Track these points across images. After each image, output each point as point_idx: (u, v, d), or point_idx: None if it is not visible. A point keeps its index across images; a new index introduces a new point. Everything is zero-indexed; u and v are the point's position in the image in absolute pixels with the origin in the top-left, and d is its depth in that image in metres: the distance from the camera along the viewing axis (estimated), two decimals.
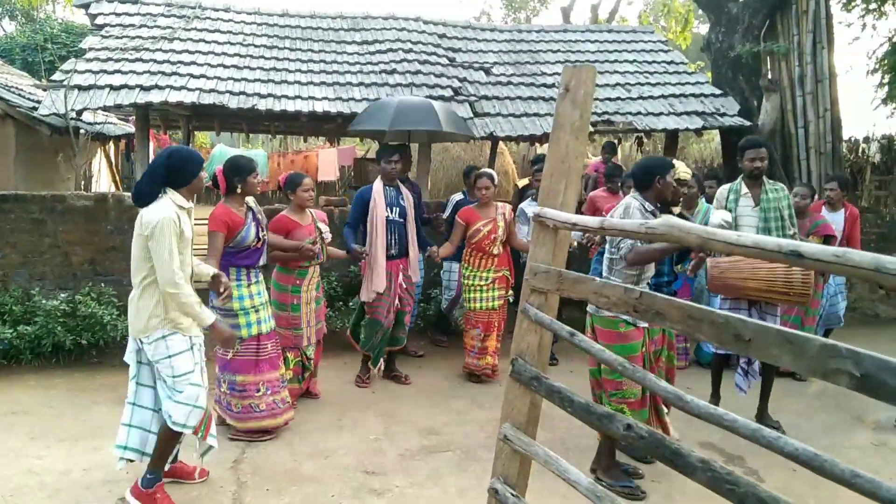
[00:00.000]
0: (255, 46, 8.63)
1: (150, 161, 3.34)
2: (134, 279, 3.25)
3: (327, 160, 14.19)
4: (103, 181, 11.55)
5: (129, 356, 3.41)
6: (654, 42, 10.64)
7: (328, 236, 4.85)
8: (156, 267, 3.12)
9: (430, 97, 8.02)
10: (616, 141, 12.28)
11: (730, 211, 4.80)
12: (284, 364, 4.57)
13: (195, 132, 12.53)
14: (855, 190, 10.85)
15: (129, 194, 6.77)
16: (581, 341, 2.03)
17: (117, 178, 12.24)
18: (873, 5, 12.00)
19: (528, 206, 5.72)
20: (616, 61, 9.85)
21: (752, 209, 4.77)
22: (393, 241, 5.26)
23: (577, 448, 4.24)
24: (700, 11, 14.05)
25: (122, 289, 6.35)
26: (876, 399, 1.31)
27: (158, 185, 3.19)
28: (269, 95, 7.47)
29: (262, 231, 4.27)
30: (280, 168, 14.10)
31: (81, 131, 8.69)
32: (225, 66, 7.91)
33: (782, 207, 4.75)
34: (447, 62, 9.09)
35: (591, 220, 2.05)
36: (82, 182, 9.02)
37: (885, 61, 11.62)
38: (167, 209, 3.15)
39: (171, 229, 3.11)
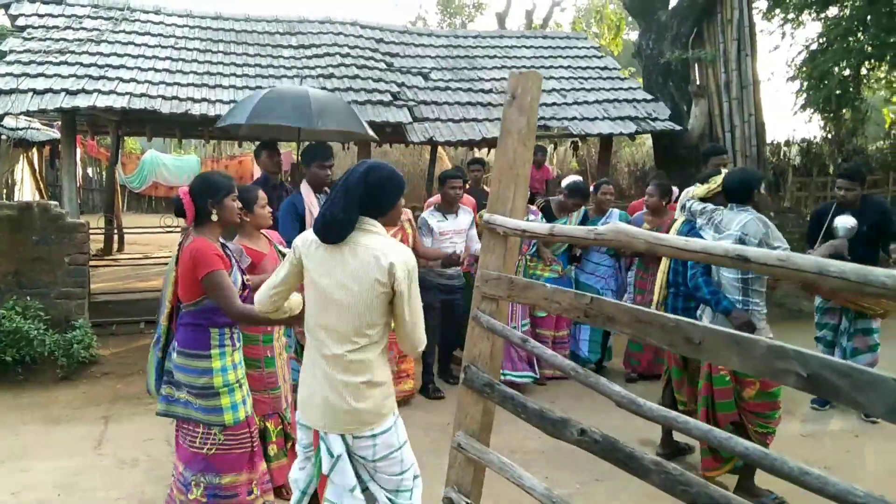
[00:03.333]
0: (188, 50, 8.39)
1: (342, 181, 2.35)
2: (354, 343, 2.32)
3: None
4: (26, 189, 11.04)
5: (327, 463, 2.42)
6: (587, 48, 10.86)
7: (247, 259, 3.84)
8: (407, 324, 2.30)
9: (369, 102, 7.99)
10: (553, 146, 12.49)
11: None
12: (266, 437, 3.58)
13: (125, 138, 12.11)
14: (778, 191, 11.35)
15: (55, 203, 6.55)
16: (533, 347, 2.04)
17: (42, 185, 11.71)
18: (791, 15, 12.61)
19: (431, 216, 5.55)
20: (552, 67, 10.00)
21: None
22: None
23: (522, 450, 4.27)
24: (631, 19, 14.45)
25: (49, 302, 6.09)
26: (823, 397, 1.36)
27: (356, 212, 2.31)
28: (203, 100, 7.28)
29: (244, 273, 3.27)
30: None
31: (3, 137, 8.29)
32: (156, 70, 7.67)
33: None
34: (385, 67, 9.05)
35: (539, 227, 2.07)
36: (4, 190, 8.60)
37: (804, 69, 12.21)
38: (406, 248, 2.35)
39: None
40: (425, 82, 9.01)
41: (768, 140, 11.21)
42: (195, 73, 7.89)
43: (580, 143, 10.08)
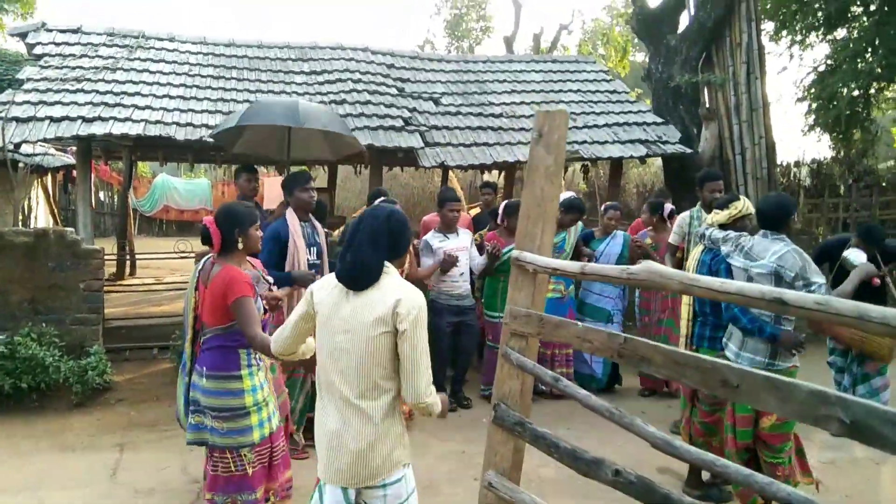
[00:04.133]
0: (202, 77, 8.48)
1: (359, 225, 2.36)
2: (364, 392, 2.29)
3: (273, 188, 14.01)
4: (40, 215, 11.12)
5: None
6: (596, 72, 10.93)
7: (275, 287, 3.97)
8: (410, 373, 2.23)
9: (381, 127, 8.05)
10: (563, 169, 12.51)
11: (692, 234, 5.16)
12: None
13: (137, 163, 12.21)
14: None
15: (71, 230, 6.59)
16: (566, 386, 2.04)
17: (55, 211, 11.79)
18: (798, 37, 12.67)
19: (433, 238, 5.72)
20: (561, 91, 10.07)
21: None
22: None
23: (538, 478, 4.24)
24: (637, 40, 14.54)
25: (65, 328, 6.12)
26: (867, 445, 1.35)
27: (384, 257, 2.30)
28: (218, 127, 7.35)
29: (262, 299, 3.40)
30: (225, 197, 13.87)
31: (20, 164, 8.37)
32: (171, 97, 7.75)
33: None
34: (396, 92, 9.12)
35: (570, 265, 2.07)
36: (20, 217, 8.67)
37: (812, 90, 12.24)
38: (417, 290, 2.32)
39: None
40: (436, 107, 9.07)
41: (779, 161, 11.20)
42: (209, 99, 7.97)
43: (590, 166, 10.10)
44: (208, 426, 3.08)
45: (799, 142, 47.38)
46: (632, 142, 8.75)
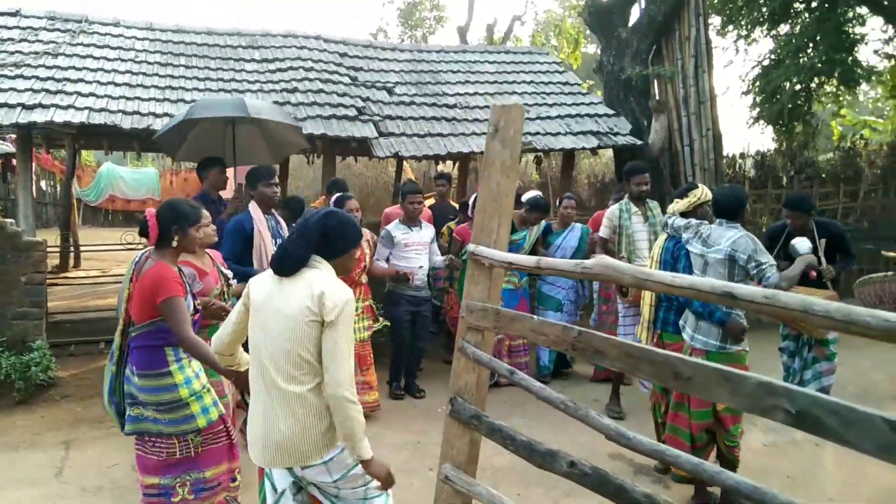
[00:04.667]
0: (148, 63, 8.24)
1: (303, 220, 2.50)
2: (292, 377, 2.34)
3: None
4: None
5: (271, 498, 2.51)
6: (549, 63, 11.00)
7: (234, 281, 3.96)
8: (331, 364, 2.27)
9: (334, 116, 7.95)
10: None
11: (622, 226, 5.28)
12: None
13: (81, 151, 11.82)
14: None
15: (11, 220, 6.34)
16: (521, 379, 2.06)
17: None
18: (744, 31, 12.99)
19: (396, 229, 5.72)
20: (514, 82, 10.11)
21: (643, 225, 5.42)
22: None
23: (492, 467, 4.28)
24: (589, 32, 14.68)
25: (5, 323, 5.91)
26: (811, 434, 1.40)
27: (310, 249, 2.41)
28: (165, 115, 7.15)
29: (195, 297, 3.41)
30: (173, 186, 13.54)
31: None
32: (116, 84, 7.51)
33: (660, 222, 5.37)
34: (349, 81, 9.03)
35: (526, 260, 2.09)
36: None
37: (757, 83, 12.57)
38: (345, 286, 2.39)
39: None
40: (390, 97, 9.01)
41: (725, 153, 11.48)
42: (156, 87, 7.76)
43: (542, 157, 10.20)
44: (150, 417, 3.08)
45: (744, 134, 49.03)
46: (584, 133, 8.85)
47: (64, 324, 7.36)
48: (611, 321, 5.89)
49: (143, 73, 7.99)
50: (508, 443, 2.00)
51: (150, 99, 7.46)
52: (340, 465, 2.38)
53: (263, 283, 2.47)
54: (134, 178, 14.35)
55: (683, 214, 4.23)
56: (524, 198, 6.23)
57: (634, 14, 10.65)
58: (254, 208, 4.67)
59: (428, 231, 5.82)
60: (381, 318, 5.66)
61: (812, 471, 4.50)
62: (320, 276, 2.35)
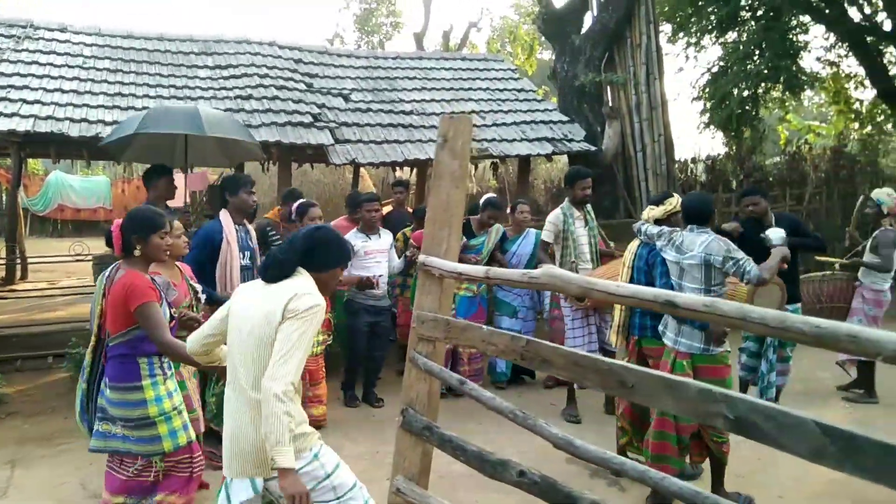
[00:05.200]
0: (97, 70, 8.06)
1: (293, 234, 2.58)
2: (257, 382, 2.29)
3: (177, 184, 13.52)
4: None
5: None
6: (504, 70, 11.10)
7: (203, 296, 3.88)
8: (281, 358, 2.20)
9: (289, 123, 7.89)
10: (473, 166, 12.68)
11: (567, 231, 5.36)
12: None
13: (27, 159, 11.48)
14: None
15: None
16: (471, 389, 2.07)
17: None
18: (694, 39, 13.29)
19: (355, 238, 5.62)
20: (470, 89, 10.17)
21: (584, 229, 5.50)
22: None
23: (449, 474, 4.28)
24: (543, 38, 14.86)
25: None
26: (750, 439, 1.44)
27: (295, 258, 2.42)
28: (115, 122, 6.98)
29: (171, 306, 3.35)
30: (125, 195, 13.25)
31: None
32: (63, 91, 7.34)
33: (597, 226, 5.62)
34: (305, 88, 8.97)
35: (475, 270, 2.10)
36: None
37: (707, 90, 12.87)
38: (320, 295, 2.40)
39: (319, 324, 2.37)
40: (346, 104, 8.98)
41: (677, 158, 11.72)
42: (105, 94, 7.60)
43: (499, 163, 10.27)
44: (119, 434, 3.02)
45: (695, 139, 50.10)
46: (539, 140, 8.95)
47: (10, 338, 7.13)
48: (564, 326, 5.95)
49: (92, 80, 7.82)
50: (459, 453, 2.02)
51: (98, 106, 7.30)
52: (310, 478, 2.29)
53: (247, 290, 2.50)
54: (84, 187, 13.99)
55: (658, 222, 4.29)
56: (481, 200, 6.28)
57: (587, 21, 10.81)
58: (225, 218, 4.50)
59: (387, 238, 5.80)
60: (333, 332, 5.63)
61: (762, 468, 4.60)
62: (297, 283, 2.37)
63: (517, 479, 1.85)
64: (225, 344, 2.58)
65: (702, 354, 3.87)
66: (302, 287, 2.34)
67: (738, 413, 1.47)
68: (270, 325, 2.28)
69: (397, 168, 11.00)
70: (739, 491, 4.10)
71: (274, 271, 2.40)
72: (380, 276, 5.60)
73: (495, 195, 6.38)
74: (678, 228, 4.16)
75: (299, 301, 2.27)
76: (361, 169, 11.78)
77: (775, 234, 4.62)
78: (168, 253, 3.44)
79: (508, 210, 6.52)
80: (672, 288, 3.97)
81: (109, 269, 3.22)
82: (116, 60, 8.44)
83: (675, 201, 4.31)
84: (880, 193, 6.12)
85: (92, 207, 13.65)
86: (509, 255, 6.16)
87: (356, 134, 8.31)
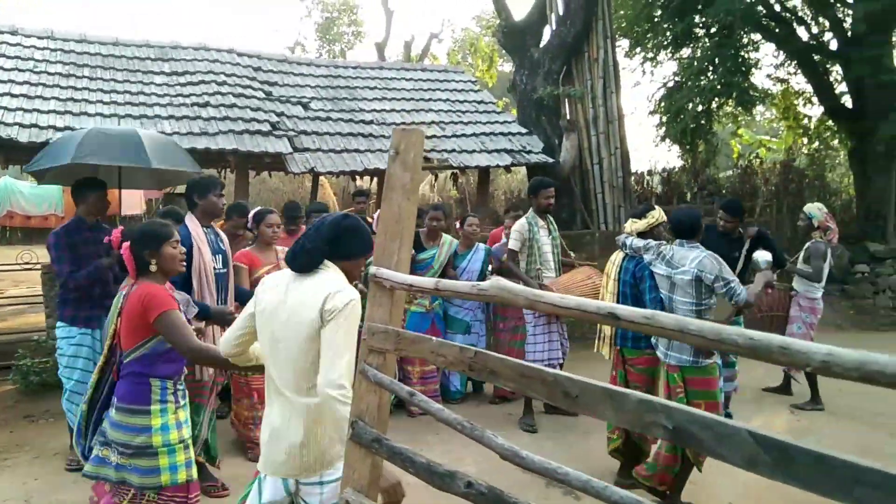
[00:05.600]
0: (49, 74, 7.89)
1: (318, 222, 2.52)
2: (298, 385, 2.32)
3: (132, 193, 13.22)
4: None
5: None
6: (465, 82, 11.20)
7: (194, 310, 3.66)
8: (330, 362, 2.20)
9: (247, 131, 7.83)
10: (434, 176, 12.72)
11: (532, 239, 5.43)
12: None
13: None
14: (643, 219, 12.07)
15: None
16: (421, 401, 2.08)
17: None
18: (650, 54, 13.57)
19: None
20: (431, 100, 10.24)
21: (548, 237, 5.60)
22: (220, 300, 4.32)
23: (403, 482, 4.26)
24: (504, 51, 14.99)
25: None
26: (688, 448, 1.48)
27: (323, 247, 2.40)
28: (67, 128, 6.86)
29: (190, 323, 3.15)
30: None
31: None
32: (13, 95, 7.16)
33: (559, 236, 5.76)
34: (263, 96, 8.91)
35: (425, 282, 2.12)
36: None
37: (662, 104, 13.15)
38: (353, 289, 2.36)
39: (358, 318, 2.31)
40: (305, 112, 8.95)
41: (633, 170, 11.94)
42: (57, 98, 7.45)
43: (459, 174, 10.33)
44: (113, 462, 2.79)
45: (652, 152, 51.21)
46: (498, 151, 9.05)
47: None
48: (509, 338, 5.98)
49: (43, 84, 7.66)
50: (408, 465, 2.02)
51: (49, 111, 7.16)
52: (332, 494, 2.34)
53: (274, 284, 2.45)
54: (34, 194, 13.57)
55: (640, 234, 4.35)
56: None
57: (546, 35, 10.98)
58: (192, 222, 4.26)
59: None
60: None
61: (712, 475, 4.68)
62: (328, 278, 2.36)
63: (465, 490, 1.87)
64: (254, 342, 2.58)
65: (691, 366, 3.95)
66: (334, 284, 2.32)
67: (676, 423, 1.50)
68: (308, 327, 2.28)
69: (357, 177, 10.99)
70: (692, 501, 4.19)
71: (301, 260, 2.39)
72: None
73: (441, 200, 6.40)
74: (664, 242, 4.25)
75: (335, 300, 2.25)
76: (321, 178, 11.73)
77: (762, 258, 4.77)
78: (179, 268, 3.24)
79: (458, 224, 6.49)
80: (661, 301, 4.10)
81: (127, 287, 3.04)
82: (69, 65, 8.28)
83: (657, 214, 4.38)
84: (812, 208, 6.38)
85: (43, 214, 13.25)
86: (459, 270, 6.09)
87: (315, 143, 8.29)
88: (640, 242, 4.30)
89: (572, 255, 6.34)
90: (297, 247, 2.42)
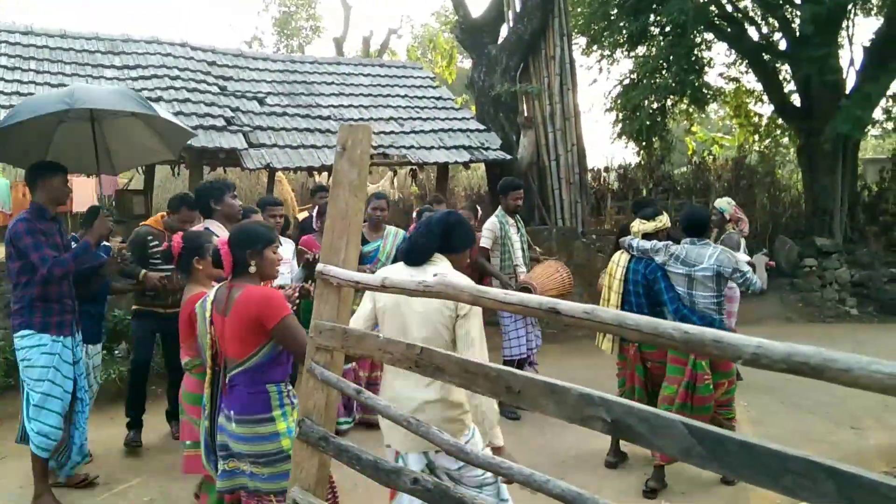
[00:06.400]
0: None
1: (427, 219, 2.86)
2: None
3: (84, 190, 12.89)
4: None
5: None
6: (423, 78, 11.18)
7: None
8: (464, 353, 2.46)
9: (201, 126, 7.69)
10: (393, 171, 12.69)
11: (504, 237, 5.52)
12: None
13: None
14: (599, 214, 12.25)
15: None
16: (368, 398, 2.08)
17: None
18: (607, 52, 13.73)
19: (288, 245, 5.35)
20: (389, 95, 10.20)
21: (517, 235, 5.76)
22: None
23: (364, 483, 4.25)
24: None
25: None
26: (627, 440, 1.51)
27: (435, 242, 2.75)
28: None
29: None
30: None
31: None
32: None
33: (525, 232, 5.96)
34: (218, 91, 8.78)
35: (372, 279, 2.11)
36: None
37: (618, 101, 13.32)
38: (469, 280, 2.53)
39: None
40: (261, 107, 8.84)
41: (590, 166, 12.07)
42: (2, 93, 7.24)
43: (419, 171, 10.32)
44: (247, 472, 2.72)
45: (608, 148, 52.19)
46: (456, 147, 9.06)
47: None
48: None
49: None
50: (355, 462, 2.02)
51: None
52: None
53: (391, 277, 2.56)
54: None
55: (646, 236, 4.53)
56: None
57: (504, 32, 11.02)
58: (217, 228, 4.06)
59: (289, 246, 5.38)
60: None
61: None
62: (437, 268, 2.68)
63: (411, 486, 1.87)
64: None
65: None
66: (444, 269, 2.66)
67: (614, 416, 1.53)
68: (439, 322, 2.62)
69: (315, 173, 10.90)
70: None
71: (416, 256, 2.73)
72: (280, 287, 5.31)
73: (381, 191, 6.32)
74: (670, 242, 4.43)
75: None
76: (279, 174, 11.60)
77: (743, 258, 5.25)
78: (215, 272, 3.21)
79: (414, 217, 6.45)
80: (678, 299, 4.30)
81: (213, 292, 2.90)
82: (15, 58, 8.05)
83: (664, 219, 4.60)
84: (721, 202, 6.69)
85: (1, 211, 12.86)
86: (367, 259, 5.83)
87: (271, 138, 8.19)
88: (646, 244, 4.47)
89: (538, 249, 6.44)
90: (412, 244, 2.78)
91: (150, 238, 4.93)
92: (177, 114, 7.73)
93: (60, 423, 3.92)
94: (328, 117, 9.06)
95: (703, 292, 4.24)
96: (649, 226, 4.55)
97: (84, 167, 5.26)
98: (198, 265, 3.31)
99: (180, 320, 3.20)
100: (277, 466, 2.68)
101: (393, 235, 5.78)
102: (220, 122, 7.96)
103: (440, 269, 2.63)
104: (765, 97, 13.69)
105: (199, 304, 2.94)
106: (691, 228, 4.35)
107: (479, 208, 6.83)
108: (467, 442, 2.61)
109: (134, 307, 5.12)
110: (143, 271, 4.75)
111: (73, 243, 4.37)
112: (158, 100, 7.96)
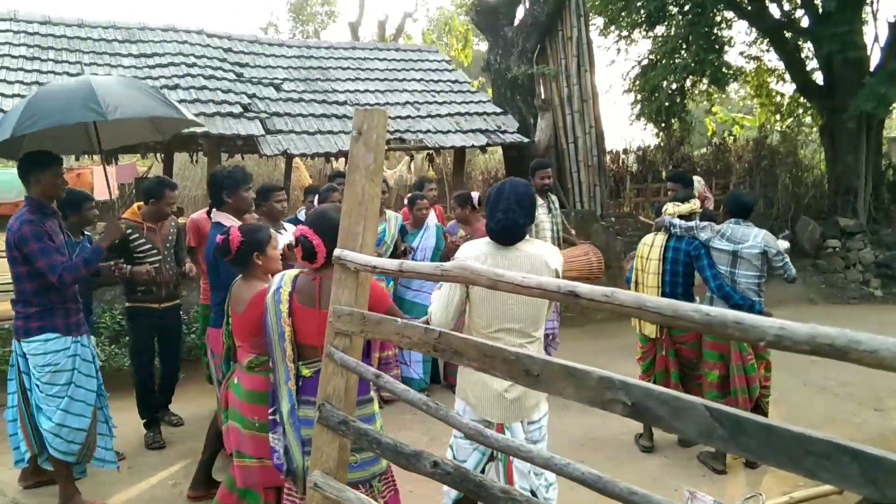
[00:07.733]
0: (13, 57, 7.73)
1: (502, 192, 2.80)
2: (530, 338, 2.76)
3: (103, 178, 13.01)
4: None
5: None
6: (439, 61, 11.12)
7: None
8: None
9: (218, 114, 7.73)
10: (410, 156, 12.66)
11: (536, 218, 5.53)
12: None
13: None
14: (619, 197, 12.16)
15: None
16: (386, 382, 2.09)
17: None
18: (625, 32, 13.56)
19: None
20: (405, 80, 10.16)
21: (547, 216, 5.73)
22: None
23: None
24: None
25: None
26: (647, 424, 1.50)
27: (529, 220, 2.79)
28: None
29: None
30: None
31: None
32: None
33: (559, 213, 5.92)
34: (234, 77, 8.80)
35: (389, 264, 2.11)
36: None
37: (637, 82, 13.17)
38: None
39: None
40: (277, 93, 8.85)
41: (608, 149, 11.97)
42: (21, 83, 7.31)
43: (436, 155, 10.29)
44: (358, 462, 2.63)
45: (627, 130, 51.61)
46: (473, 131, 9.02)
47: None
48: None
49: (7, 68, 7.52)
50: (376, 446, 2.03)
51: (13, 95, 7.02)
52: (545, 428, 2.85)
53: (485, 258, 2.68)
54: (3, 180, 13.37)
55: (680, 217, 4.70)
56: None
57: (520, 14, 10.90)
58: (227, 221, 3.91)
59: (289, 235, 5.35)
60: None
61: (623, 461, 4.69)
62: (544, 249, 2.80)
63: (431, 469, 1.88)
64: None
65: None
66: (550, 252, 2.78)
67: (634, 399, 1.52)
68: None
69: (333, 159, 10.91)
70: None
71: (514, 234, 2.71)
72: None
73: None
74: (712, 223, 4.59)
75: (557, 263, 2.74)
76: (296, 160, 11.64)
77: (783, 242, 5.40)
78: (275, 266, 3.17)
79: (406, 202, 6.31)
80: (719, 276, 4.42)
81: (286, 283, 2.76)
82: (34, 47, 8.11)
83: (696, 203, 4.82)
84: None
85: (12, 201, 12.99)
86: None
87: (288, 124, 8.20)
88: (687, 223, 4.61)
89: (573, 232, 6.41)
90: (510, 223, 2.67)
91: (129, 232, 4.62)
92: (194, 101, 7.78)
93: (87, 424, 3.80)
94: (344, 102, 9.05)
95: (746, 271, 4.35)
96: (684, 208, 4.73)
97: (65, 149, 4.80)
98: (258, 260, 3.10)
99: (249, 318, 2.95)
100: (365, 453, 2.61)
101: (394, 219, 5.83)
102: (237, 109, 7.99)
103: (531, 248, 2.74)
104: (786, 76, 13.42)
105: (271, 297, 2.75)
106: (737, 210, 4.51)
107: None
108: (546, 413, 2.85)
109: (127, 305, 4.86)
110: (129, 268, 4.42)
111: (87, 244, 4.40)
112: (175, 87, 8.00)
